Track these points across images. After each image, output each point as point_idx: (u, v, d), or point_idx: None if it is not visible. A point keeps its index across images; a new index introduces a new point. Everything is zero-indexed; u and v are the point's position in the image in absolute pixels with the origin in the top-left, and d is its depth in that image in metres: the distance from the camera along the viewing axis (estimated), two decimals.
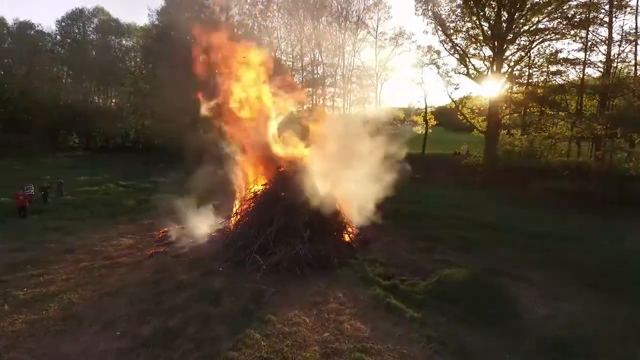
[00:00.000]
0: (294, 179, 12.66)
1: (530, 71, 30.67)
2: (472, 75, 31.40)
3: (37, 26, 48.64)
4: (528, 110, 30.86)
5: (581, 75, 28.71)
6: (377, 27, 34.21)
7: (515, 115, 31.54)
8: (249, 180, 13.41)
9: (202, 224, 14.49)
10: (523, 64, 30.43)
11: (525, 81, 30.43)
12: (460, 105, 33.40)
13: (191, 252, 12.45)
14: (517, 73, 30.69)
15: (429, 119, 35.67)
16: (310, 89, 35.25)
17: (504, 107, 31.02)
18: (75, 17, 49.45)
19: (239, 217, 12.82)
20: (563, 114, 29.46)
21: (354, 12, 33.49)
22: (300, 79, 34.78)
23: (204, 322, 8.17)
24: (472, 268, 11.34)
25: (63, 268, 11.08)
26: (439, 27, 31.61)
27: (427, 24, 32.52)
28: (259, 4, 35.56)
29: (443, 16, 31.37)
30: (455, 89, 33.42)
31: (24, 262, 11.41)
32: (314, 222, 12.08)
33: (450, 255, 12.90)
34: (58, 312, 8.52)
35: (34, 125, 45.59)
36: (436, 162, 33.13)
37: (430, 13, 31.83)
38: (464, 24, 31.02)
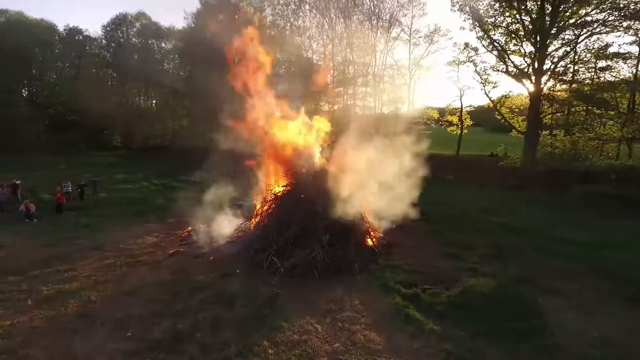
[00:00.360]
0: (315, 181, 12.33)
1: (576, 67, 28.61)
2: (512, 73, 29.82)
3: (85, 31, 51.19)
4: (572, 109, 28.86)
5: (634, 71, 26.49)
6: (412, 24, 33.27)
7: (558, 114, 29.62)
8: (270, 181, 13.24)
9: (225, 224, 14.50)
10: (568, 60, 28.48)
11: (570, 78, 28.44)
12: (498, 105, 31.84)
13: (211, 253, 12.43)
14: (561, 69, 28.77)
15: (465, 119, 34.28)
16: (341, 89, 34.89)
17: (545, 107, 29.21)
18: (119, 22, 51.68)
19: (259, 218, 12.66)
20: (612, 113, 27.28)
21: (387, 10, 32.77)
22: (331, 78, 34.45)
23: (214, 326, 8.04)
24: (502, 278, 10.57)
25: (88, 265, 11.39)
26: (476, 23, 30.28)
27: (464, 20, 31.26)
28: (291, 4, 35.58)
29: (481, 11, 30.00)
30: (494, 87, 31.62)
31: (53, 258, 11.84)
32: (334, 225, 11.70)
33: (479, 263, 12.09)
34: (76, 310, 8.69)
35: (80, 126, 48.01)
36: (471, 163, 31.79)
37: (467, 8, 30.54)
38: (504, 18, 29.47)
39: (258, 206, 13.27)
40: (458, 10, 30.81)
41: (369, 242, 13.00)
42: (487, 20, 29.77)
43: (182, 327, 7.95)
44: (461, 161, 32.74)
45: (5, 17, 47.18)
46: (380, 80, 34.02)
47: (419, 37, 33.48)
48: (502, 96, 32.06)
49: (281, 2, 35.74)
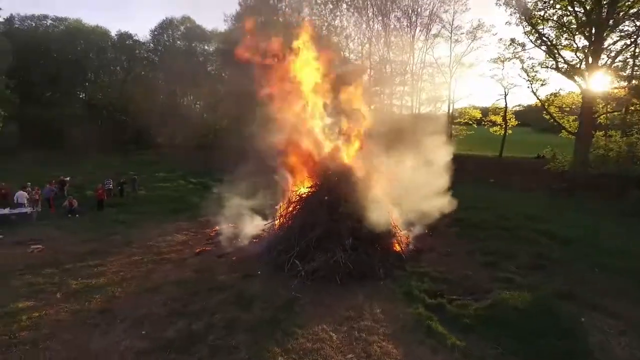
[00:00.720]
0: (340, 182, 11.99)
1: (637, 62, 26.21)
2: (563, 70, 27.80)
3: (135, 36, 53.82)
4: (631, 108, 26.37)
5: None
6: (453, 20, 31.97)
7: (615, 114, 27.20)
8: (295, 182, 13.06)
9: (252, 224, 14.52)
10: (628, 54, 26.15)
11: (629, 74, 26.03)
12: (546, 104, 29.82)
13: (236, 253, 12.45)
14: (619, 65, 26.45)
15: (509, 119, 32.43)
16: (378, 88, 34.19)
17: (600, 105, 26.96)
18: (166, 26, 53.94)
19: (283, 219, 12.51)
20: None
21: (427, 7, 31.71)
22: (368, 77, 33.86)
23: (228, 328, 7.94)
24: (540, 291, 9.67)
25: (117, 260, 11.75)
26: (523, 16, 28.52)
27: (510, 15, 29.52)
28: (329, 3, 35.37)
29: (529, 4, 28.21)
30: (542, 85, 29.61)
31: (87, 253, 12.33)
32: (358, 228, 11.30)
33: (517, 273, 11.19)
34: (99, 305, 8.92)
35: (129, 126, 50.52)
36: (515, 165, 30.01)
37: (513, 2, 28.83)
38: (554, 11, 27.53)
39: (283, 206, 13.10)
40: (504, 4, 29.20)
41: (397, 247, 12.46)
42: (535, 14, 27.96)
43: (196, 328, 7.90)
44: (504, 163, 31.01)
45: (65, 25, 50.52)
46: (418, 78, 33.01)
47: (461, 34, 32.14)
48: (551, 94, 29.99)
49: (319, 1, 35.63)
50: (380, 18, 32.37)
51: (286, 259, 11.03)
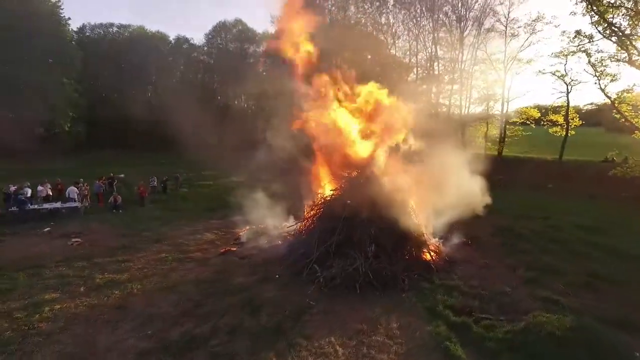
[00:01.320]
0: (366, 186, 11.36)
1: None
2: (637, 63, 24.70)
3: (191, 40, 56.39)
4: None
5: None
6: (509, 13, 29.72)
7: None
8: (321, 184, 12.62)
9: (281, 225, 14.34)
10: None
11: None
12: (617, 101, 26.69)
13: (259, 254, 12.28)
14: None
15: (572, 118, 29.46)
16: (425, 87, 32.73)
17: None
18: (219, 29, 55.97)
19: (307, 222, 12.12)
20: None
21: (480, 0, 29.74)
22: (415, 76, 32.58)
23: (232, 334, 7.70)
24: (588, 316, 8.44)
25: (144, 257, 12.04)
26: (591, 5, 25.76)
27: (575, 4, 26.77)
28: (375, 0, 34.52)
29: None
30: (612, 80, 26.54)
31: (119, 248, 12.80)
32: (382, 235, 10.62)
33: (563, 293, 9.89)
34: (116, 301, 9.10)
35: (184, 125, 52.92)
36: (578, 170, 27.18)
37: None
38: None
39: (307, 209, 12.72)
40: None
41: (427, 256, 11.59)
42: (604, 1, 25.11)
43: (200, 331, 7.75)
44: (566, 167, 28.24)
45: (128, 31, 54.14)
46: (469, 76, 31.08)
47: (518, 27, 29.74)
48: (623, 91, 26.77)
49: None
50: (428, 14, 30.95)
51: (305, 264, 10.63)
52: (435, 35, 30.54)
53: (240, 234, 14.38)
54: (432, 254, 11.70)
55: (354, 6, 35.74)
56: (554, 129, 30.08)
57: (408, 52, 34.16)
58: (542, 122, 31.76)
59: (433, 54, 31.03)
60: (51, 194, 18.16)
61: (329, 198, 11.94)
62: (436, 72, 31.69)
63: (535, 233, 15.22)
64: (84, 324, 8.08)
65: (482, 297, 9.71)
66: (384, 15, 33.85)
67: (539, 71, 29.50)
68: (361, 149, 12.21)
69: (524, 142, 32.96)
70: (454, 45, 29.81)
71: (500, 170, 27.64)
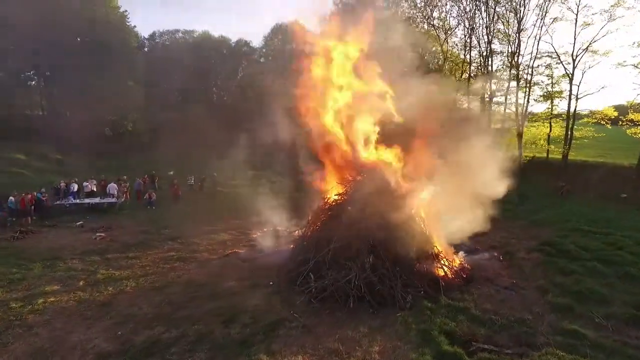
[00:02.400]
0: (371, 192, 10.44)
1: None
2: None
3: (250, 42, 58.28)
4: None
5: None
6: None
7: None
8: (327, 187, 11.90)
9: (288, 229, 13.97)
10: None
11: None
12: None
13: (261, 258, 11.94)
14: None
15: None
16: (482, 84, 30.17)
17: None
18: (276, 31, 57.17)
19: (309, 228, 11.46)
20: None
21: None
22: (467, 74, 30.14)
23: (196, 343, 7.37)
24: (623, 357, 6.85)
25: (153, 255, 12.28)
26: None
27: None
28: None
29: None
30: None
31: (134, 244, 13.23)
32: (383, 245, 9.65)
33: (597, 326, 8.22)
34: (105, 298, 9.26)
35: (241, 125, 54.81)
36: None
37: None
38: None
39: (311, 214, 12.06)
40: None
41: (439, 271, 10.36)
42: None
43: (167, 337, 7.53)
44: None
45: (193, 36, 57.30)
46: (531, 71, 28.06)
47: (592, 14, 26.17)
48: None
49: None
50: (484, 5, 28.46)
51: (300, 272, 10.03)
52: (491, 28, 27.99)
53: (254, 236, 14.16)
54: (446, 269, 10.45)
55: (407, 2, 34.20)
56: (634, 129, 26.07)
57: (463, 48, 31.84)
58: (620, 122, 27.72)
59: (488, 48, 28.48)
60: (95, 189, 19.49)
61: (332, 203, 11.19)
62: (493, 68, 29.09)
63: (587, 250, 13.02)
64: (66, 319, 8.28)
65: (492, 323, 8.36)
66: (437, 8, 31.89)
67: (619, 63, 25.72)
68: (366, 150, 11.28)
69: (597, 145, 29.08)
70: (514, 38, 27.08)
71: (564, 177, 24.63)
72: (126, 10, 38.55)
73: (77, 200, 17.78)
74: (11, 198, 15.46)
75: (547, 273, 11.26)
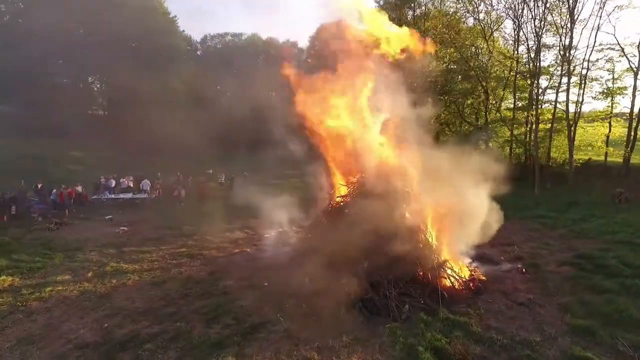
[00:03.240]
0: (372, 194, 9.95)
1: None
2: None
3: (295, 42, 59.00)
4: None
5: None
6: None
7: None
8: (334, 188, 11.53)
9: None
10: None
11: None
12: None
13: (266, 258, 11.84)
14: None
15: None
16: (528, 81, 27.96)
17: None
18: (321, 30, 57.36)
19: (310, 230, 11.18)
20: None
21: None
22: (514, 71, 27.98)
23: (171, 340, 7.39)
24: None
25: (165, 250, 12.68)
26: None
27: None
28: None
29: None
30: None
31: (152, 239, 13.76)
32: (380, 252, 9.13)
33: (623, 357, 7.14)
34: (105, 289, 9.64)
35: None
36: None
37: None
38: None
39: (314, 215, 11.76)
40: None
41: (446, 282, 9.62)
42: None
43: (146, 333, 7.62)
44: None
45: (243, 39, 59.11)
46: (588, 66, 25.45)
47: None
48: None
49: None
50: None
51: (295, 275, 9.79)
52: (541, 20, 25.75)
53: (266, 235, 14.13)
54: (452, 279, 9.67)
55: None
56: None
57: (510, 42, 29.75)
58: None
59: (537, 43, 26.23)
60: (132, 185, 20.62)
61: (334, 205, 10.82)
62: (541, 64, 26.78)
63: (630, 267, 11.43)
64: (65, 308, 8.70)
65: (492, 342, 7.56)
66: (483, 2, 30.04)
67: None
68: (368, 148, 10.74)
69: None
70: (566, 30, 24.69)
71: (624, 183, 22.09)
72: (175, 16, 40.57)
73: (113, 195, 18.92)
74: (54, 191, 16.78)
75: (575, 290, 10.04)
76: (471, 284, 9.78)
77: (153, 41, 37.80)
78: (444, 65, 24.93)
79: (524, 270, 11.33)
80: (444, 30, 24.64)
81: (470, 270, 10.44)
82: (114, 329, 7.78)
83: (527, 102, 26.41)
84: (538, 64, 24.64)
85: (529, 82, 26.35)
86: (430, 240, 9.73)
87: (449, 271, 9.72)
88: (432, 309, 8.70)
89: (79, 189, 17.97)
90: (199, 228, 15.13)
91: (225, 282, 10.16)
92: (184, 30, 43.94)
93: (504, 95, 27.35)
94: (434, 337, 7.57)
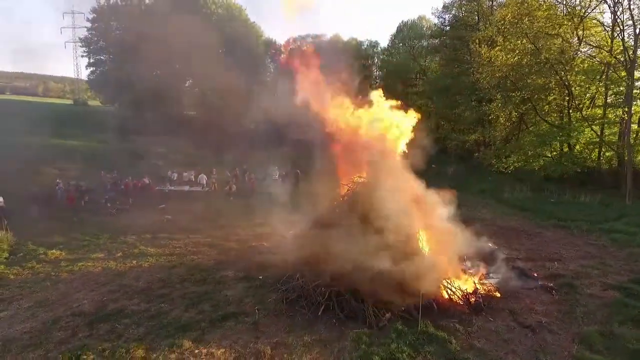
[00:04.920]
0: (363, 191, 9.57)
1: None
2: None
3: (379, 44, 58.34)
4: None
5: None
6: None
7: None
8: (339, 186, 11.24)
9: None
10: None
11: None
12: None
13: (275, 253, 12.07)
14: None
15: None
16: (623, 74, 23.73)
17: None
18: (400, 29, 55.93)
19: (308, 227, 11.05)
20: None
21: None
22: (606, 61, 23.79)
23: (148, 319, 8.06)
24: None
25: (191, 238, 13.76)
26: None
27: None
28: None
29: None
30: None
31: (187, 229, 14.89)
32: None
33: None
34: (123, 269, 10.85)
35: None
36: None
37: None
38: None
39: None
40: None
41: (444, 293, 8.84)
42: None
43: (132, 309, 8.43)
44: None
45: (322, 40, 60.33)
46: None
47: None
48: None
49: None
50: None
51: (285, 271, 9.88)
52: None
53: (291, 231, 14.36)
54: (454, 293, 8.82)
55: None
56: None
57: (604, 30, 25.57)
58: None
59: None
60: (193, 179, 22.58)
61: (335, 202, 10.61)
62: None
63: None
64: (85, 281, 10.02)
65: None
66: None
67: None
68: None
69: None
70: None
71: None
72: (254, 21, 43.17)
73: (173, 187, 20.96)
74: (126, 181, 19.24)
75: (610, 319, 8.41)
76: (472, 299, 8.81)
77: (236, 47, 40.73)
78: (515, 58, 22.39)
79: (553, 290, 9.82)
80: (513, 19, 22.15)
81: (476, 284, 9.37)
82: (109, 302, 8.74)
83: (622, 97, 22.50)
84: (634, 53, 20.81)
85: (623, 74, 22.39)
86: (418, 244, 8.99)
87: (445, 282, 8.90)
88: (413, 319, 8.09)
89: (146, 180, 20.29)
90: (232, 221, 15.99)
91: (226, 272, 10.65)
92: (261, 36, 46.39)
93: (590, 90, 23.69)
94: (398, 349, 7.04)
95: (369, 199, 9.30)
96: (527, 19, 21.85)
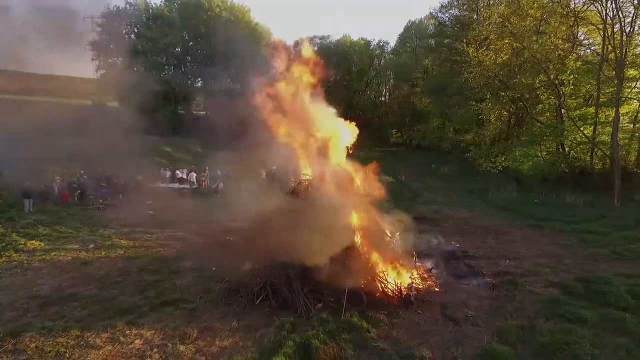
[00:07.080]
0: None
1: None
2: None
3: (387, 42, 58.28)
4: None
5: None
6: None
7: None
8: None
9: None
10: None
11: None
12: None
13: (227, 249, 12.59)
14: None
15: None
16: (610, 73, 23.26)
17: None
18: (408, 28, 55.75)
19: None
20: None
21: None
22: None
23: (96, 303, 8.67)
24: None
25: (165, 232, 14.40)
26: None
27: None
28: None
29: None
30: None
31: (167, 222, 15.51)
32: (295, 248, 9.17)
33: None
34: (91, 259, 11.55)
35: (370, 122, 54.95)
36: None
37: None
38: None
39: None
40: None
41: (378, 285, 9.22)
42: None
43: (84, 294, 9.06)
44: None
45: (329, 40, 60.51)
46: None
47: None
48: None
49: None
50: None
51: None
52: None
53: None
54: (388, 287, 9.19)
55: None
56: None
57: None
58: None
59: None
60: (185, 177, 23.41)
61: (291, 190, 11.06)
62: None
63: (637, 299, 9.22)
64: (52, 269, 10.73)
65: (375, 352, 7.17)
66: None
67: None
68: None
69: None
70: None
71: None
72: (257, 23, 44.05)
73: (163, 185, 21.82)
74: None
75: (537, 315, 8.64)
76: (403, 293, 9.13)
77: (239, 49, 41.64)
78: (504, 58, 22.24)
79: (492, 287, 10.04)
80: (499, 18, 22.06)
81: (412, 278, 9.69)
82: (66, 288, 9.46)
83: (611, 97, 22.15)
84: (622, 53, 20.49)
85: (613, 74, 22.00)
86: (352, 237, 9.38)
87: (380, 276, 9.27)
88: (338, 309, 8.49)
89: (139, 178, 21.20)
90: (210, 217, 16.59)
91: (184, 263, 11.28)
92: (269, 37, 47.10)
93: (580, 90, 23.38)
94: (316, 335, 7.47)
95: (310, 194, 9.76)
96: (514, 18, 21.71)
